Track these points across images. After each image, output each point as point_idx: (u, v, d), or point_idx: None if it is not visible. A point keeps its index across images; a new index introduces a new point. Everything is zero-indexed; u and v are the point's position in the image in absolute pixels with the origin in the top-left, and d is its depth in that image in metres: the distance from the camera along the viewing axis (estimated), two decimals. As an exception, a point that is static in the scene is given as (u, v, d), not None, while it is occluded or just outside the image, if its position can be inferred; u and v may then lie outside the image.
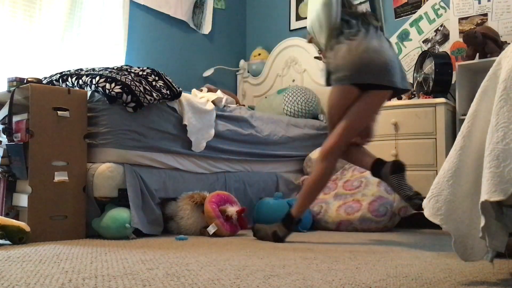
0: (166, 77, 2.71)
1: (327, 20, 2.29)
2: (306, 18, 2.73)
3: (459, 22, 3.44)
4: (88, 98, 2.49)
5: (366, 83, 2.20)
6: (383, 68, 2.20)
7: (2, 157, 2.38)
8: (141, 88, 2.50)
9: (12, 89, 2.38)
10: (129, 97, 2.43)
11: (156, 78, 2.65)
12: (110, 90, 2.41)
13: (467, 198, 1.27)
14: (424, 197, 1.35)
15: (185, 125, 2.74)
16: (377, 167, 2.28)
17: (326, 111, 2.40)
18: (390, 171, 2.20)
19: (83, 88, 2.54)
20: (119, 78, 2.46)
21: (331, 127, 2.37)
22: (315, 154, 3.44)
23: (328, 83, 2.34)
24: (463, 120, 1.36)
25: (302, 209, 2.32)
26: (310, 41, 2.59)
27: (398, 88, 2.27)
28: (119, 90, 2.41)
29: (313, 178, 2.30)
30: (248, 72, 4.64)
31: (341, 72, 2.21)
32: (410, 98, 3.36)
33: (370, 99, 2.27)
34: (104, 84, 2.43)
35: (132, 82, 2.47)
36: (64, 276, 1.35)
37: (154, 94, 2.55)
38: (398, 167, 2.21)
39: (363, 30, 2.26)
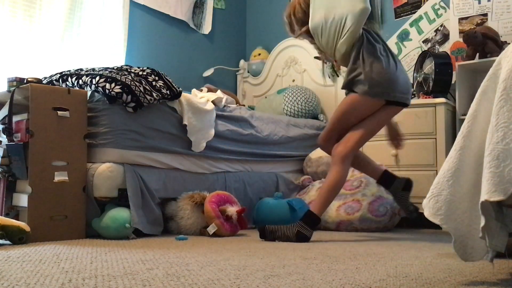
0: (166, 77, 2.71)
1: (358, 27, 2.33)
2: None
3: (459, 22, 3.44)
4: (88, 98, 2.49)
5: (396, 100, 2.39)
6: (409, 89, 2.47)
7: (2, 157, 2.38)
8: (141, 88, 2.50)
9: (12, 89, 2.38)
10: (129, 97, 2.43)
11: (156, 78, 2.65)
12: (110, 90, 2.41)
13: (467, 198, 1.27)
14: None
15: (185, 125, 2.74)
16: (387, 179, 2.59)
17: (340, 112, 2.47)
18: (402, 188, 2.56)
19: (83, 88, 2.54)
20: (119, 78, 2.46)
21: (337, 128, 2.49)
22: (315, 154, 3.44)
23: (348, 87, 2.44)
24: (463, 120, 1.36)
25: (324, 209, 2.39)
26: (297, 36, 2.64)
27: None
28: (119, 90, 2.41)
29: (334, 179, 2.36)
30: (248, 72, 4.63)
31: (377, 87, 2.34)
32: (410, 98, 3.36)
33: (390, 113, 2.49)
34: (104, 84, 2.43)
35: (132, 82, 2.47)
36: (64, 276, 1.35)
37: (154, 94, 2.55)
38: (409, 186, 2.57)
39: (384, 44, 2.44)
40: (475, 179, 1.26)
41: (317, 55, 2.84)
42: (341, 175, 2.37)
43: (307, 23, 2.50)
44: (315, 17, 2.44)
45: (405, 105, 2.45)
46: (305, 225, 2.29)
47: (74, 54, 3.42)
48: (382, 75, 2.32)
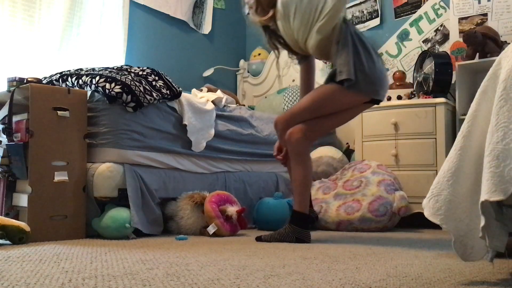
0: (166, 77, 2.71)
1: (339, 10, 2.12)
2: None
3: (459, 22, 3.44)
4: (88, 98, 2.49)
5: (379, 99, 2.27)
6: (388, 86, 2.33)
7: (2, 157, 2.38)
8: (141, 88, 2.50)
9: (12, 89, 2.38)
10: (129, 97, 2.43)
11: (156, 78, 2.65)
12: (110, 90, 2.41)
13: (467, 198, 1.27)
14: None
15: (185, 125, 2.74)
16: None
17: (317, 102, 2.24)
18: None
19: (83, 88, 2.54)
20: (119, 78, 2.46)
21: (306, 117, 2.25)
22: (315, 154, 3.44)
23: (331, 79, 2.24)
24: (463, 120, 1.36)
25: (305, 203, 2.29)
26: (264, 20, 2.34)
27: None
28: (119, 90, 2.41)
29: (304, 172, 2.28)
30: (248, 72, 4.64)
31: (371, 85, 2.19)
32: (410, 98, 3.36)
33: (361, 109, 2.37)
34: (104, 84, 2.43)
35: (132, 82, 2.47)
36: (64, 276, 1.35)
37: (154, 94, 2.55)
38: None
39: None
40: (475, 179, 1.26)
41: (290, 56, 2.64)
42: (310, 165, 2.30)
43: (275, 4, 2.24)
44: None
45: (379, 102, 2.32)
46: (298, 228, 2.22)
47: (74, 54, 3.42)
48: (374, 73, 2.18)
